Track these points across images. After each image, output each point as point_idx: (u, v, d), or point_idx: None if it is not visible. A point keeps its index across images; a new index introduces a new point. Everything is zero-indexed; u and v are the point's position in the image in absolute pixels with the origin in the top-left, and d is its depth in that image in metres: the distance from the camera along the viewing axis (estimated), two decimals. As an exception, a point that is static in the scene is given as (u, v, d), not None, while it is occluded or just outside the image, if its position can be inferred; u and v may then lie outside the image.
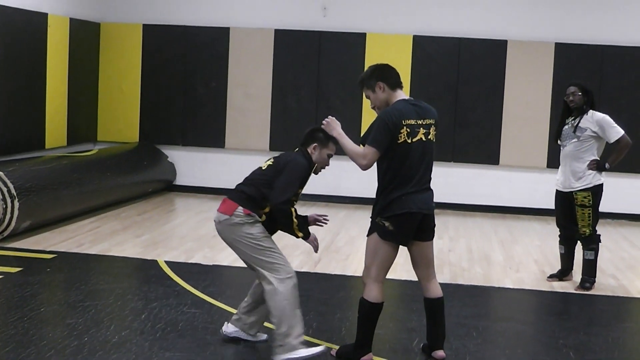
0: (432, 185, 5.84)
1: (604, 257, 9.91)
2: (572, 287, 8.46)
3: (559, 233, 8.71)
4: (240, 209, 5.70)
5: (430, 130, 5.75)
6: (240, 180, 5.95)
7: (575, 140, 8.26)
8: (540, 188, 12.98)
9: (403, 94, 5.83)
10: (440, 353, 5.95)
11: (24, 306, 6.83)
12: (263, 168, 5.93)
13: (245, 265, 5.96)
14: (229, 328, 6.12)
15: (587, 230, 8.33)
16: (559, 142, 8.53)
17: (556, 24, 13.04)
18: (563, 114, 8.49)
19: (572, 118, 8.36)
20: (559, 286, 8.50)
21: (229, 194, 5.85)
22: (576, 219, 8.37)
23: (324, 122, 5.91)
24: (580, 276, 8.50)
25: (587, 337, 6.76)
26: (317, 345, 6.00)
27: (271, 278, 5.69)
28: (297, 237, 5.82)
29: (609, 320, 7.46)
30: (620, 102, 12.72)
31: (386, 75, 5.81)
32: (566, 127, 8.40)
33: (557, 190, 8.58)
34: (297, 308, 5.76)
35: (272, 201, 5.69)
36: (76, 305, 6.93)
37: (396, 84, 5.81)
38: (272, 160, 5.95)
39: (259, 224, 5.77)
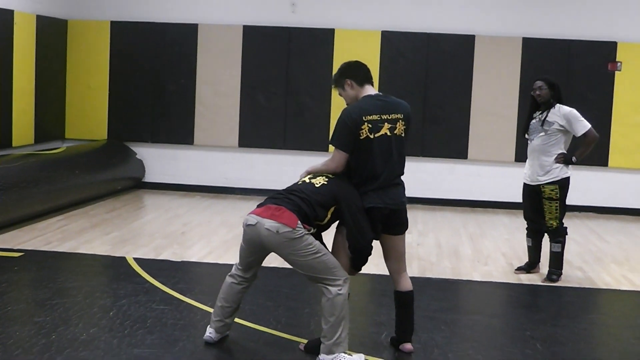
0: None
1: (572, 249, 10.00)
2: (539, 279, 8.53)
3: (526, 226, 8.78)
4: (300, 223, 5.49)
5: (398, 125, 5.77)
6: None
7: (542, 134, 8.33)
8: (509, 182, 13.06)
9: (372, 89, 5.87)
10: (408, 346, 5.99)
11: (-9, 305, 6.79)
12: (316, 185, 5.69)
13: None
14: (214, 334, 6.03)
15: (555, 223, 8.40)
16: (526, 136, 8.59)
17: (523, 19, 13.12)
18: (530, 108, 8.55)
19: (540, 112, 8.42)
20: (526, 279, 8.57)
21: (284, 204, 5.57)
22: (543, 212, 8.44)
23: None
24: (548, 268, 8.58)
25: (554, 329, 6.81)
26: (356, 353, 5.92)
27: (334, 282, 5.58)
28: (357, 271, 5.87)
29: (576, 312, 7.54)
30: (588, 97, 12.83)
31: (354, 72, 5.87)
32: (534, 121, 8.46)
33: (524, 183, 8.64)
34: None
35: (357, 244, 5.62)
36: (44, 303, 6.89)
37: (364, 80, 5.87)
38: (325, 179, 5.74)
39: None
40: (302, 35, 13.29)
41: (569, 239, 10.12)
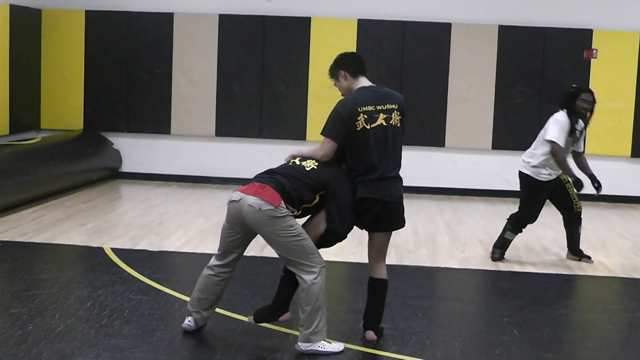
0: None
1: (549, 236, 10.07)
2: (517, 266, 8.58)
3: (525, 224, 8.78)
4: (283, 203, 5.50)
5: (393, 115, 5.82)
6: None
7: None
8: (486, 169, 13.12)
9: (365, 80, 5.93)
10: (370, 334, 6.00)
11: (-34, 296, 6.74)
12: (307, 168, 5.69)
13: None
14: (192, 323, 6.03)
15: (580, 204, 8.78)
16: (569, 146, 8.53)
17: (499, 6, 13.14)
18: (574, 122, 8.39)
19: (577, 123, 8.45)
20: (503, 265, 8.61)
21: (269, 182, 5.57)
22: (568, 200, 8.69)
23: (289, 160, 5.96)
24: (582, 251, 8.93)
25: (531, 315, 6.85)
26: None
27: (309, 269, 5.58)
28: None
29: (553, 297, 7.57)
30: (563, 84, 12.84)
31: (348, 63, 5.95)
32: (577, 133, 8.46)
33: (548, 181, 8.51)
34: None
35: (336, 230, 5.66)
36: (20, 294, 6.85)
37: (358, 71, 5.93)
38: (316, 163, 5.74)
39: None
40: (278, 23, 13.24)
41: (545, 225, 10.23)
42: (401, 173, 5.92)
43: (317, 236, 5.73)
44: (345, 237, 5.77)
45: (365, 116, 5.71)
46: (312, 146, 5.96)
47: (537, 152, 8.48)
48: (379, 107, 5.77)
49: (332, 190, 5.65)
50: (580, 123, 8.46)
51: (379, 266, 6.04)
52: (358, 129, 5.70)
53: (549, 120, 8.46)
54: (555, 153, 8.27)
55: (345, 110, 5.70)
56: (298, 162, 5.79)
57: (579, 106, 8.36)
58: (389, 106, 5.82)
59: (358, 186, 5.73)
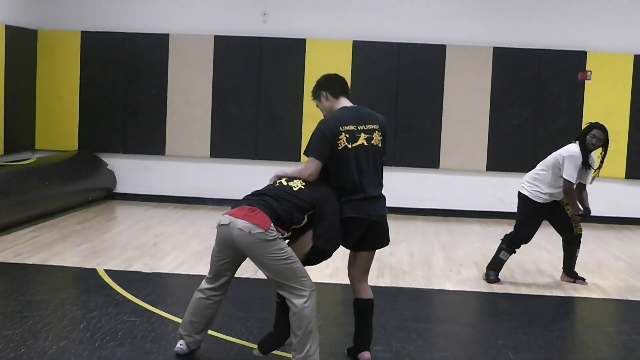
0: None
1: (543, 258, 10.06)
2: (511, 287, 8.57)
3: (518, 245, 8.83)
4: (273, 225, 5.45)
5: (374, 136, 5.84)
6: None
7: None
8: (481, 191, 13.12)
9: (347, 101, 5.97)
10: (366, 355, 5.98)
11: (-41, 318, 6.71)
12: (294, 189, 5.66)
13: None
14: (184, 346, 6.00)
15: (580, 226, 8.89)
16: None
17: (494, 28, 13.19)
18: (585, 158, 8.52)
19: (590, 159, 8.56)
20: (498, 287, 8.59)
21: (258, 205, 5.55)
22: (569, 223, 8.79)
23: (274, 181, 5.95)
24: (576, 273, 8.99)
25: (526, 337, 6.84)
26: None
27: (300, 293, 5.54)
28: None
29: (548, 320, 7.55)
30: (557, 105, 12.93)
31: (329, 84, 5.99)
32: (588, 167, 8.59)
33: (546, 203, 8.66)
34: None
35: (323, 248, 5.64)
36: (13, 316, 6.82)
37: (340, 92, 5.97)
38: (302, 183, 5.72)
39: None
40: (274, 45, 13.27)
41: (540, 247, 10.23)
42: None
43: (303, 256, 5.72)
44: (331, 255, 5.75)
45: (347, 135, 5.73)
46: (297, 166, 5.95)
47: (546, 179, 8.59)
48: (360, 127, 5.79)
49: (319, 209, 5.64)
50: (592, 157, 8.56)
51: (364, 286, 6.04)
52: (340, 148, 5.72)
53: (563, 154, 8.49)
54: (569, 191, 8.48)
55: (328, 128, 5.72)
56: (285, 183, 5.78)
57: (589, 141, 8.48)
58: (370, 126, 5.84)
59: (344, 206, 5.73)
